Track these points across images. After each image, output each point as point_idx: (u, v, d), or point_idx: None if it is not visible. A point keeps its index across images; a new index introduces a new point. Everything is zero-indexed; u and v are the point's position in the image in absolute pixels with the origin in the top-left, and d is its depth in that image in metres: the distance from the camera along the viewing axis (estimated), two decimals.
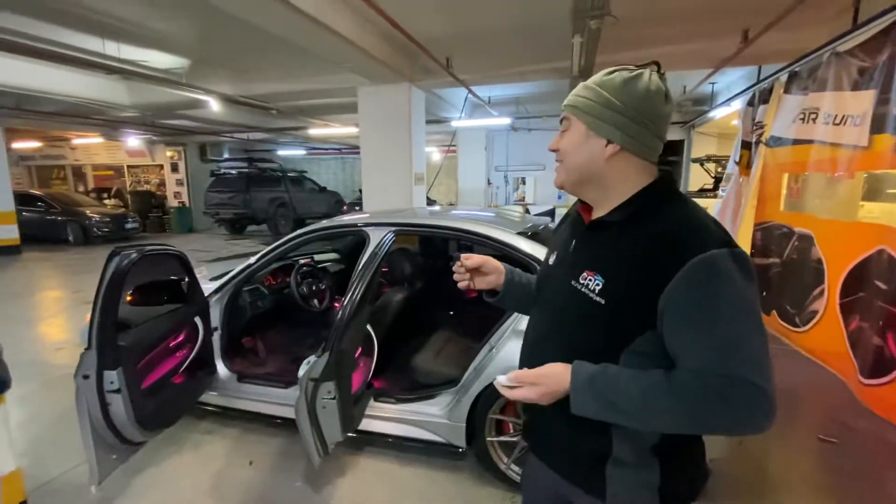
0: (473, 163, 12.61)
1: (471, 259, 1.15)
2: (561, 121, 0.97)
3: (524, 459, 1.98)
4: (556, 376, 0.87)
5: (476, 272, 1.17)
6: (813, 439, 2.69)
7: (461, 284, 1.17)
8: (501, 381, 0.91)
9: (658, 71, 0.90)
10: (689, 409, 0.78)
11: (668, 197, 0.90)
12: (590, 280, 0.89)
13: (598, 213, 0.96)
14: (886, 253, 2.89)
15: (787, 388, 3.27)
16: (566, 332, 0.96)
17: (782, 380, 3.08)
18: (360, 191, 7.41)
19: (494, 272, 1.17)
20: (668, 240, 0.83)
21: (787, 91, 4.17)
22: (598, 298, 0.88)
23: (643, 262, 0.84)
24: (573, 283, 0.93)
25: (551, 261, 1.07)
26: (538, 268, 1.28)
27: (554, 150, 0.97)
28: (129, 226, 11.93)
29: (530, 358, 1.03)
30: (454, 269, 1.17)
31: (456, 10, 4.56)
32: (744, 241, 4.81)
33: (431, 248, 3.84)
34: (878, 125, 3.01)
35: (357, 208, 11.38)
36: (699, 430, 0.85)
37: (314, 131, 10.87)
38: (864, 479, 2.32)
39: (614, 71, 0.91)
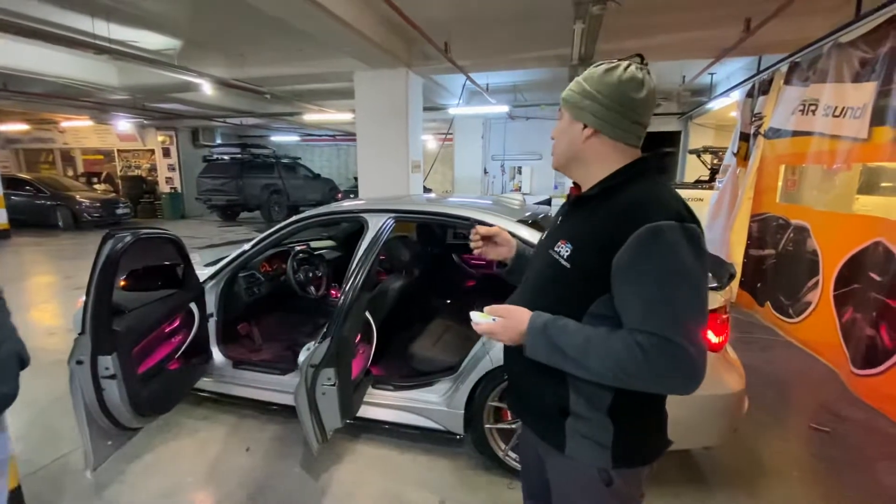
0: (470, 151, 12.53)
1: (484, 228, 1.29)
2: (559, 110, 1.09)
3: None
4: (518, 314, 0.99)
5: (489, 241, 1.30)
6: (805, 428, 2.72)
7: (476, 251, 1.30)
8: (474, 316, 1.03)
9: (642, 63, 0.99)
10: (617, 359, 0.86)
11: (638, 175, 0.98)
12: (562, 248, 1.00)
13: (582, 192, 1.07)
14: (882, 245, 2.91)
15: (780, 378, 3.31)
16: (538, 295, 1.06)
17: (775, 370, 3.12)
18: (356, 178, 7.34)
19: (506, 244, 1.30)
20: (626, 210, 0.92)
21: (787, 82, 4.16)
22: (565, 263, 0.98)
23: (604, 231, 0.93)
24: (550, 251, 1.03)
25: (543, 237, 1.19)
26: None
27: (552, 138, 1.11)
28: (119, 211, 11.74)
29: None
30: (471, 236, 1.29)
31: None
32: (740, 233, 4.84)
33: (429, 236, 3.82)
34: (878, 117, 3.00)
35: (352, 196, 11.30)
36: (627, 382, 0.89)
37: (309, 117, 10.73)
38: (854, 468, 2.35)
39: (600, 64, 1.01)
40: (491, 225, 2.22)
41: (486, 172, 12.79)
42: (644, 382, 0.89)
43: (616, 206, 0.94)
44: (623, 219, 0.90)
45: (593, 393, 0.97)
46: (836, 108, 3.39)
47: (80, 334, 1.80)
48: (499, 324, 1.00)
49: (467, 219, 2.34)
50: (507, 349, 1.12)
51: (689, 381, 0.86)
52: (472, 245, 1.30)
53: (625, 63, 0.98)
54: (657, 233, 0.86)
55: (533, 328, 0.96)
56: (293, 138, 17.43)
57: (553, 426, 1.03)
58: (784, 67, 4.21)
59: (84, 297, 1.82)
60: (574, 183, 1.12)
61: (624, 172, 0.99)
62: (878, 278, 2.90)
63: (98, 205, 11.23)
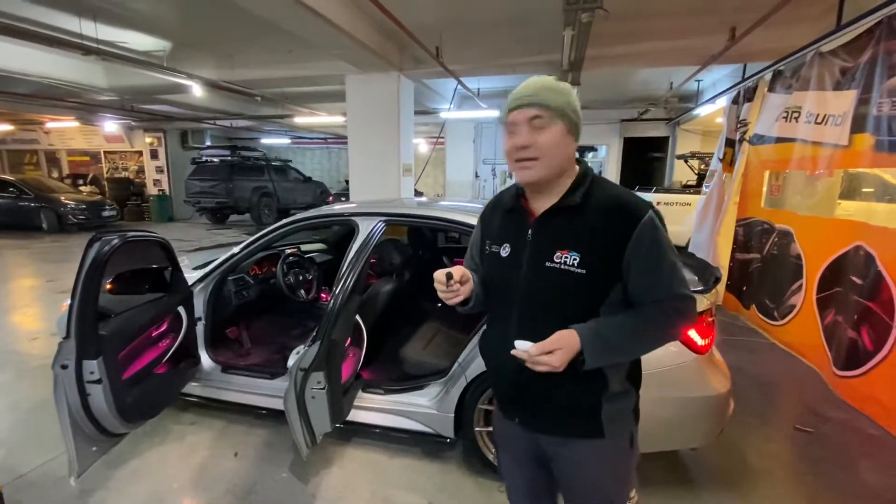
0: (461, 155, 12.57)
1: (457, 271, 1.10)
2: (533, 118, 1.02)
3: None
4: (568, 338, 1.00)
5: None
6: (790, 429, 2.77)
7: (457, 300, 1.11)
8: (525, 347, 1.00)
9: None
10: (662, 326, 1.06)
11: (594, 179, 1.10)
12: (566, 257, 1.04)
13: (545, 202, 1.09)
14: (863, 249, 2.98)
15: (765, 379, 3.36)
16: (554, 307, 1.07)
17: (760, 372, 3.15)
18: (346, 181, 7.33)
19: (468, 281, 1.13)
20: (618, 211, 1.04)
21: (771, 89, 4.24)
22: (579, 270, 1.03)
23: (605, 232, 1.03)
24: (547, 264, 1.06)
25: (503, 252, 1.15)
26: (474, 262, 1.28)
27: (526, 147, 1.03)
28: (105, 213, 11.58)
29: (521, 338, 1.04)
30: (448, 287, 1.08)
31: None
32: (726, 237, 4.91)
33: (420, 239, 3.82)
34: (858, 125, 3.07)
35: (343, 199, 11.26)
36: (667, 340, 1.10)
37: (300, 120, 10.68)
38: (838, 467, 2.40)
39: (558, 79, 1.07)
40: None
41: (477, 176, 12.83)
42: (678, 333, 1.09)
43: (603, 209, 1.04)
44: (619, 217, 1.03)
45: (620, 367, 1.11)
46: (817, 115, 3.47)
47: (64, 338, 1.78)
48: (556, 357, 0.98)
49: (460, 223, 2.35)
50: (516, 367, 1.05)
51: (696, 313, 1.13)
52: (449, 296, 1.10)
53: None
54: (651, 223, 1.02)
55: (589, 345, 1.00)
56: (284, 141, 17.32)
57: (590, 417, 1.09)
58: (768, 75, 4.29)
59: (69, 301, 1.80)
60: (520, 193, 1.14)
61: (587, 179, 1.09)
62: (858, 281, 2.97)
63: (84, 207, 11.06)
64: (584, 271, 1.02)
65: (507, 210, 1.19)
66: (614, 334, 1.02)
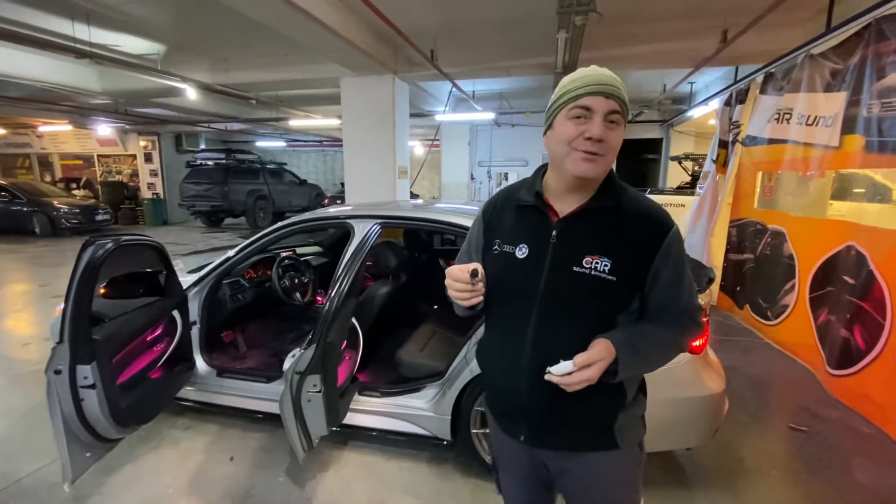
0: (457, 158, 12.60)
1: (479, 267, 1.01)
2: (612, 112, 0.93)
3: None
4: (607, 349, 0.95)
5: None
6: (784, 428, 2.78)
7: (476, 300, 1.03)
8: (566, 370, 0.93)
9: None
10: (682, 336, 1.06)
11: (621, 184, 1.06)
12: (596, 262, 0.99)
13: (571, 203, 1.03)
14: (854, 249, 3.01)
15: (759, 379, 3.38)
16: (576, 313, 1.01)
17: (755, 372, 3.16)
18: (342, 184, 7.33)
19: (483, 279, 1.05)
20: (647, 221, 1.01)
21: (762, 91, 4.28)
22: (610, 276, 0.98)
23: (635, 240, 1.00)
24: (576, 268, 1.00)
25: (519, 253, 1.04)
26: (480, 261, 1.12)
27: (601, 140, 0.93)
28: (99, 217, 11.49)
29: (538, 346, 1.01)
30: (472, 286, 0.99)
31: (442, 1, 4.52)
32: (720, 238, 4.95)
33: (416, 242, 3.82)
34: (848, 126, 3.11)
35: (339, 202, 11.24)
36: (681, 351, 1.08)
37: (295, 122, 10.66)
38: (831, 466, 2.42)
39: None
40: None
41: (472, 178, 12.87)
42: (688, 346, 1.11)
43: (634, 216, 1.01)
44: (650, 227, 1.00)
45: (636, 379, 1.09)
46: (808, 116, 3.51)
47: (58, 343, 1.77)
48: (595, 369, 0.93)
49: (456, 225, 2.36)
50: (530, 380, 1.02)
51: (703, 327, 1.15)
52: (466, 300, 1.02)
53: None
54: (677, 236, 1.01)
55: (624, 356, 0.95)
56: (279, 144, 17.28)
57: (604, 432, 1.05)
58: (759, 77, 4.34)
59: (62, 306, 1.79)
60: (536, 194, 1.05)
61: (616, 182, 1.04)
62: (850, 281, 3.00)
63: (77, 211, 10.96)
64: (614, 278, 0.97)
65: (521, 207, 1.08)
66: (644, 345, 0.98)
